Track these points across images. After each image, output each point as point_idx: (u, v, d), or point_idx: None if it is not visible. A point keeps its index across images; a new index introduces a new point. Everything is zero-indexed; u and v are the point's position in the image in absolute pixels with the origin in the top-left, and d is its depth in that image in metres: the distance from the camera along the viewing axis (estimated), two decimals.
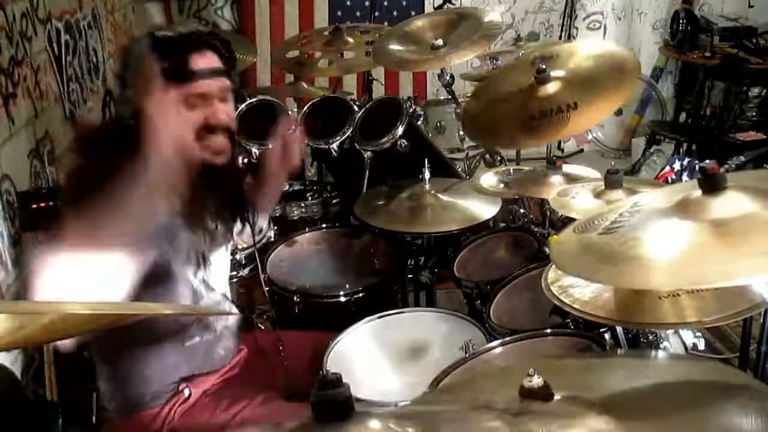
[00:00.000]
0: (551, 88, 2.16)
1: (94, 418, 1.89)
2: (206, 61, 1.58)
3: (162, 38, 1.55)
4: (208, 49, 1.59)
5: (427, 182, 2.44)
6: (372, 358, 1.89)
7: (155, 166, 1.45)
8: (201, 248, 1.72)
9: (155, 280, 1.55)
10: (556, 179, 2.13)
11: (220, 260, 1.83)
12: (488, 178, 2.55)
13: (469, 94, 3.00)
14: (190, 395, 1.73)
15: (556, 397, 1.02)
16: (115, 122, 1.63)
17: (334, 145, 2.94)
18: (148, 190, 1.43)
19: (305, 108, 3.08)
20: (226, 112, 1.62)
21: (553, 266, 1.64)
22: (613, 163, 1.96)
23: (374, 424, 0.78)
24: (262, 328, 2.83)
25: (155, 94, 1.50)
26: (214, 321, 1.79)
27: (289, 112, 3.06)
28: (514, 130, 2.16)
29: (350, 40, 3.39)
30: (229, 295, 1.90)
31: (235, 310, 1.88)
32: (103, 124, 1.63)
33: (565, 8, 5.04)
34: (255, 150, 2.94)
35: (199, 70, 1.56)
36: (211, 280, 1.77)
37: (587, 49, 2.30)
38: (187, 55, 1.55)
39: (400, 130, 2.87)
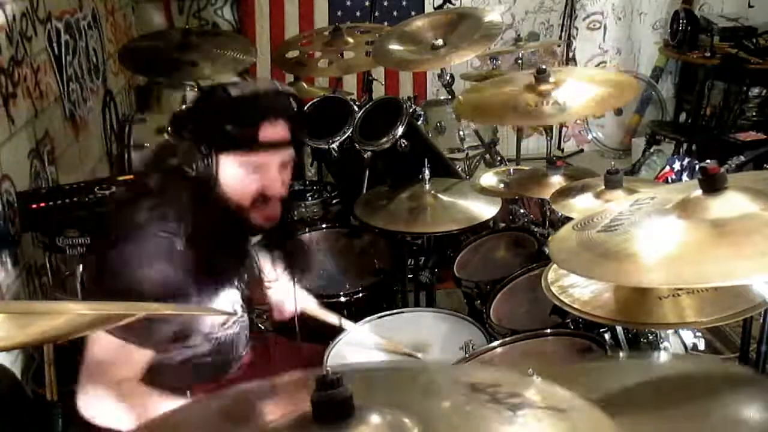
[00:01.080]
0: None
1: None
2: (275, 132, 1.53)
3: (238, 99, 1.51)
4: (281, 118, 1.54)
5: (427, 182, 2.45)
6: (372, 358, 1.89)
7: (206, 219, 1.51)
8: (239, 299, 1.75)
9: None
10: (556, 179, 2.14)
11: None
12: (488, 178, 2.55)
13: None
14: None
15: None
16: (176, 170, 1.57)
17: (334, 145, 2.94)
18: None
19: (305, 108, 3.08)
20: (283, 182, 1.59)
21: (553, 266, 1.64)
22: (613, 163, 1.96)
23: (375, 422, 0.78)
24: (262, 328, 2.83)
25: (221, 153, 1.51)
26: (229, 330, 1.79)
27: None
28: (508, 111, 2.19)
29: (350, 40, 3.39)
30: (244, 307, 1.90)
31: (235, 313, 1.88)
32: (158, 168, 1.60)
33: (565, 8, 5.04)
34: None
35: (265, 142, 1.52)
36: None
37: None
38: (258, 124, 1.51)
39: (400, 130, 2.87)
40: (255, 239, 1.74)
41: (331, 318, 2.00)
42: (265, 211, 1.59)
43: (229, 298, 1.71)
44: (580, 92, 2.19)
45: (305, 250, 1.87)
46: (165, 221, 1.53)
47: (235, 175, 1.54)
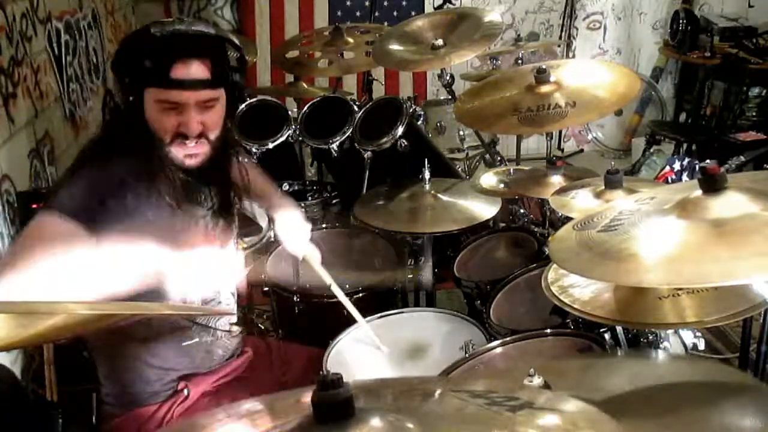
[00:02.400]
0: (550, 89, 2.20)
1: (94, 418, 1.89)
2: (188, 71, 1.54)
3: (154, 36, 1.54)
4: (196, 58, 1.55)
5: (427, 182, 2.44)
6: (372, 358, 1.89)
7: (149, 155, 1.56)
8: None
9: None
10: (556, 179, 2.14)
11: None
12: (488, 178, 2.55)
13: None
14: (188, 395, 1.73)
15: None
16: (114, 109, 1.68)
17: (334, 145, 2.94)
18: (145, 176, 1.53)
19: (305, 108, 3.08)
20: (201, 121, 1.59)
21: (553, 266, 1.64)
22: (613, 163, 1.96)
23: (375, 423, 0.78)
24: (262, 328, 2.83)
25: (143, 88, 1.56)
26: (214, 322, 1.79)
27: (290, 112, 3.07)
28: (509, 117, 2.19)
29: (350, 40, 3.39)
30: (236, 294, 1.89)
31: (234, 308, 1.88)
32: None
33: (565, 8, 5.04)
34: (255, 150, 2.94)
35: (176, 80, 1.53)
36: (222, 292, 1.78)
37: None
38: (169, 61, 1.53)
39: (400, 130, 2.87)
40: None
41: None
42: (185, 149, 1.60)
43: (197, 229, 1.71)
44: (582, 94, 2.19)
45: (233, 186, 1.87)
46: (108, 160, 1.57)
47: (154, 109, 1.57)
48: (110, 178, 1.56)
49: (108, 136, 1.68)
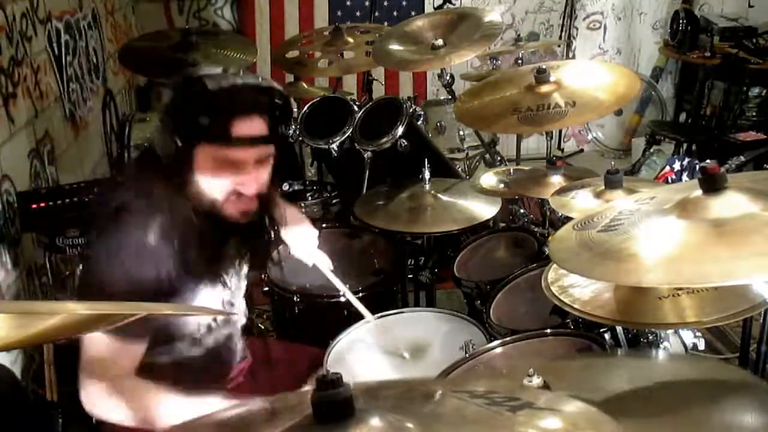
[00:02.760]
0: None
1: (94, 419, 1.89)
2: (250, 127, 1.50)
3: (214, 92, 1.47)
4: (257, 114, 1.51)
5: (427, 182, 2.44)
6: (372, 358, 1.89)
7: (184, 209, 1.50)
8: (220, 298, 1.73)
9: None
10: (556, 179, 2.13)
11: (242, 285, 1.84)
12: (488, 178, 2.55)
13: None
14: None
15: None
16: (152, 152, 1.58)
17: (334, 145, 2.94)
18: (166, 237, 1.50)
19: (305, 108, 3.08)
20: (258, 180, 1.57)
21: (553, 266, 1.64)
22: (613, 163, 1.96)
23: (375, 423, 0.78)
24: (262, 328, 2.83)
25: (196, 146, 1.50)
26: (216, 335, 1.78)
27: None
28: (509, 117, 2.19)
29: (350, 40, 3.39)
30: (246, 310, 1.89)
31: (235, 313, 1.87)
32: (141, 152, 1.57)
33: (565, 8, 5.04)
34: None
35: (238, 138, 1.48)
36: (234, 304, 1.79)
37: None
38: (231, 119, 1.48)
39: (400, 130, 2.87)
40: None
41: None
42: (238, 206, 1.56)
43: (213, 298, 1.70)
44: (582, 94, 2.19)
45: (269, 253, 1.86)
46: (136, 214, 1.52)
47: (209, 168, 1.52)
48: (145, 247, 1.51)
49: (142, 190, 1.56)
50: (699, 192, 1.14)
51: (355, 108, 3.00)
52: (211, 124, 1.47)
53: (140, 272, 1.50)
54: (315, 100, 3.12)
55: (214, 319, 1.73)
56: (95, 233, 1.57)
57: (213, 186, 1.53)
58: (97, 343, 1.49)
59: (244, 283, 1.86)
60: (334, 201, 3.18)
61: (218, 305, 1.72)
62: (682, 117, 5.16)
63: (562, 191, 1.95)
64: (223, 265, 1.68)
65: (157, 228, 1.52)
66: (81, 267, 1.61)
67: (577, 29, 5.15)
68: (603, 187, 1.83)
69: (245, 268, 1.81)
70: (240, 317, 1.84)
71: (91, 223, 1.59)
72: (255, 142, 1.51)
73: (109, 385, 1.49)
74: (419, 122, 3.20)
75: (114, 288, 1.48)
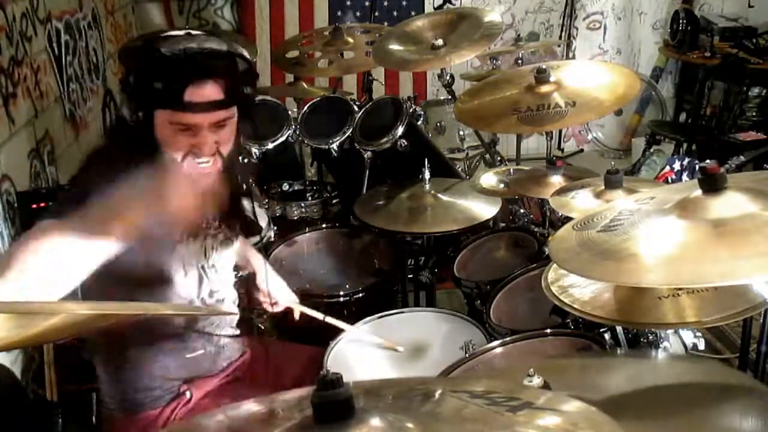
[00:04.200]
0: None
1: (94, 418, 1.89)
2: (203, 93, 1.49)
3: (164, 56, 1.48)
4: (210, 78, 1.50)
5: (427, 182, 2.44)
6: (372, 358, 1.89)
7: (158, 172, 1.46)
8: (201, 261, 1.71)
9: (153, 290, 1.59)
10: (556, 179, 2.14)
11: (227, 267, 1.83)
12: (488, 178, 2.55)
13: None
14: (191, 398, 1.73)
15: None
16: (120, 121, 1.61)
17: (334, 145, 2.93)
18: (154, 191, 1.45)
19: (305, 108, 3.08)
20: (215, 142, 1.56)
21: (553, 266, 1.64)
22: (613, 163, 1.96)
23: (375, 423, 0.78)
24: (262, 328, 2.82)
25: (156, 113, 1.51)
26: (217, 332, 1.78)
27: (290, 112, 3.06)
28: (509, 117, 2.19)
29: (350, 40, 3.39)
30: (236, 300, 1.89)
31: (236, 313, 1.87)
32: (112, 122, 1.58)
33: (565, 8, 5.04)
34: (255, 150, 2.94)
35: (190, 103, 1.49)
36: (219, 291, 1.77)
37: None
38: (181, 84, 1.48)
39: (400, 130, 2.87)
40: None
41: (318, 315, 2.00)
42: (198, 167, 1.55)
43: (191, 281, 1.69)
44: (582, 94, 2.20)
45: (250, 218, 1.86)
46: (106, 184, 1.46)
47: (166, 132, 1.53)
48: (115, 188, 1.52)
49: (114, 149, 1.61)
50: (699, 192, 1.14)
51: (355, 108, 3.00)
52: (164, 89, 1.48)
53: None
54: (315, 100, 3.12)
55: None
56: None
57: (171, 147, 1.54)
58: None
59: (230, 272, 1.85)
60: (334, 201, 3.18)
61: (196, 291, 1.71)
62: (682, 117, 5.16)
63: (562, 191, 1.95)
64: (200, 223, 1.67)
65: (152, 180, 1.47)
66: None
67: (577, 29, 5.14)
68: (603, 187, 1.83)
69: (226, 248, 1.79)
70: (231, 307, 1.83)
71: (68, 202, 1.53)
72: (209, 107, 1.51)
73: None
74: (419, 122, 3.20)
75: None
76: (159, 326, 1.67)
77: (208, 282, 1.73)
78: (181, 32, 1.58)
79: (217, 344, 1.79)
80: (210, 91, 1.50)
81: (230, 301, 1.83)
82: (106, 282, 1.36)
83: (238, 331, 1.86)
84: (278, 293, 1.99)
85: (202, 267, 1.71)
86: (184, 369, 1.73)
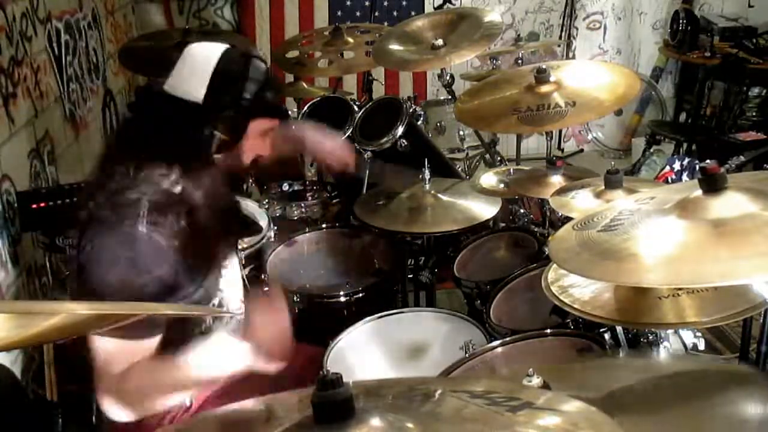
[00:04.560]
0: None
1: (94, 418, 1.89)
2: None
3: (260, 68, 1.62)
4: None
5: (427, 182, 2.44)
6: (372, 358, 1.89)
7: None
8: (215, 290, 1.72)
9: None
10: (556, 179, 2.14)
11: (233, 275, 1.83)
12: (488, 178, 2.55)
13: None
14: (191, 404, 1.72)
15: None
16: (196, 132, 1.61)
17: None
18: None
19: (305, 108, 3.08)
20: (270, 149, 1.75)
21: (553, 266, 1.64)
22: (613, 163, 1.96)
23: (375, 423, 0.78)
24: None
25: (256, 119, 1.63)
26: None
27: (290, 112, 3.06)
28: (509, 117, 2.19)
29: (350, 40, 3.39)
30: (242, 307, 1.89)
31: (239, 314, 1.87)
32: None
33: (565, 8, 5.04)
34: None
35: (285, 110, 1.75)
36: (229, 304, 1.78)
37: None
38: (280, 92, 1.67)
39: (400, 130, 2.87)
40: None
41: None
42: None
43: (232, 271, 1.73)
44: (582, 94, 2.20)
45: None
46: (134, 206, 1.51)
47: (255, 136, 1.66)
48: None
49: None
50: (699, 192, 1.14)
51: (355, 108, 3.00)
52: (272, 98, 1.66)
53: (148, 278, 1.50)
54: (315, 100, 3.12)
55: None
56: (94, 230, 1.52)
57: (249, 152, 1.68)
58: (107, 350, 1.47)
59: (238, 271, 1.86)
60: (334, 201, 3.18)
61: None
62: (682, 117, 5.16)
63: (562, 191, 1.95)
64: (221, 250, 1.70)
65: (166, 229, 1.52)
66: (83, 274, 1.55)
67: (577, 29, 5.14)
68: (603, 187, 1.83)
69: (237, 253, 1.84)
70: (237, 307, 1.83)
71: (89, 221, 1.54)
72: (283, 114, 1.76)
73: (124, 383, 1.48)
74: (419, 122, 3.20)
75: (114, 290, 1.47)
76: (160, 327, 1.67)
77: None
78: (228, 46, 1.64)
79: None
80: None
81: (236, 302, 1.83)
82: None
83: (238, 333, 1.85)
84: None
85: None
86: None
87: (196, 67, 1.59)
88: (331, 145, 2.16)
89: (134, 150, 1.59)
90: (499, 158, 3.52)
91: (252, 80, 1.60)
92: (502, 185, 2.49)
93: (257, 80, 1.60)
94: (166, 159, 1.57)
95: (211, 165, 1.63)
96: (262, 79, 1.61)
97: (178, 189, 1.56)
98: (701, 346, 1.71)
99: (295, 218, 3.04)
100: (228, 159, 1.66)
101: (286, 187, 3.26)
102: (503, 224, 2.74)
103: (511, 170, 2.67)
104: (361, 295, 2.23)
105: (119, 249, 1.49)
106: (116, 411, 1.52)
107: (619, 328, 1.72)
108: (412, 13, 4.67)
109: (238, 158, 1.67)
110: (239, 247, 2.23)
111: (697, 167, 1.25)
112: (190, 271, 1.57)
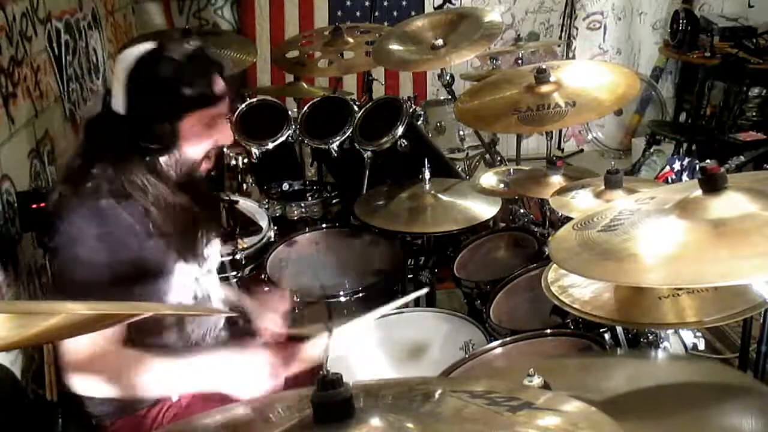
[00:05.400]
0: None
1: (93, 419, 1.89)
2: (219, 82, 1.59)
3: (184, 61, 1.54)
4: (218, 70, 1.61)
5: (427, 182, 2.44)
6: (372, 358, 1.89)
7: (162, 192, 1.54)
8: (196, 275, 1.72)
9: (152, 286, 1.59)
10: (556, 179, 2.14)
11: (213, 264, 1.83)
12: (488, 178, 2.55)
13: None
14: (179, 398, 1.71)
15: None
16: (132, 141, 1.57)
17: (334, 145, 2.93)
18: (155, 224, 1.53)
19: (305, 108, 3.08)
20: (230, 130, 1.67)
21: (553, 266, 1.64)
22: (613, 163, 1.96)
23: (375, 423, 0.78)
24: None
25: (185, 118, 1.56)
26: (210, 330, 1.78)
27: (290, 112, 3.07)
28: (509, 117, 2.19)
29: (350, 40, 3.39)
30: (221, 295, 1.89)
31: (234, 314, 1.87)
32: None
33: (565, 8, 5.04)
34: (255, 150, 2.94)
35: (218, 95, 1.58)
36: (211, 293, 1.78)
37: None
38: (210, 79, 1.57)
39: (400, 130, 2.87)
40: None
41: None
42: (206, 165, 1.66)
43: (186, 275, 1.70)
44: (582, 94, 2.20)
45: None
46: (112, 197, 1.52)
47: (195, 134, 1.59)
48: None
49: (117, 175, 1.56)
50: (699, 192, 1.14)
51: (355, 108, 3.00)
52: (194, 91, 1.54)
53: (120, 255, 1.51)
54: (315, 100, 3.12)
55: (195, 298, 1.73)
56: (69, 221, 1.52)
57: (196, 150, 1.61)
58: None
59: (215, 260, 1.86)
60: (334, 201, 3.18)
61: (191, 283, 1.71)
62: (682, 117, 5.16)
63: (562, 191, 1.95)
64: (198, 238, 1.69)
65: (134, 210, 1.54)
66: (57, 257, 1.57)
67: (577, 29, 5.14)
68: (603, 187, 1.83)
69: (215, 241, 1.81)
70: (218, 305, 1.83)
71: (61, 211, 1.54)
72: (226, 95, 1.60)
73: (95, 361, 1.48)
74: (419, 122, 3.20)
75: (95, 278, 1.47)
76: (148, 326, 1.66)
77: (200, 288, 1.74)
78: (152, 43, 1.59)
79: (211, 340, 1.78)
80: (220, 79, 1.59)
81: (217, 298, 1.83)
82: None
83: (225, 332, 1.85)
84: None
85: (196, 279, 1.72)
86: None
87: (118, 75, 1.57)
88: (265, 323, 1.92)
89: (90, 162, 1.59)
90: (499, 158, 3.52)
91: (166, 80, 1.53)
92: (502, 185, 2.50)
93: (171, 78, 1.53)
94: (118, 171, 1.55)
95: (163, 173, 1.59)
96: (177, 76, 1.53)
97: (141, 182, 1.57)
98: (701, 346, 1.70)
99: (295, 218, 3.04)
100: (178, 163, 1.61)
101: (286, 187, 3.26)
102: (503, 224, 2.74)
103: (511, 170, 2.67)
104: (361, 295, 2.23)
105: (86, 225, 1.49)
106: (82, 385, 1.52)
107: (619, 328, 1.72)
108: (412, 13, 4.66)
109: (188, 159, 1.61)
110: (239, 246, 2.24)
111: (697, 167, 1.25)
112: (165, 252, 1.58)
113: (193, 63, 1.55)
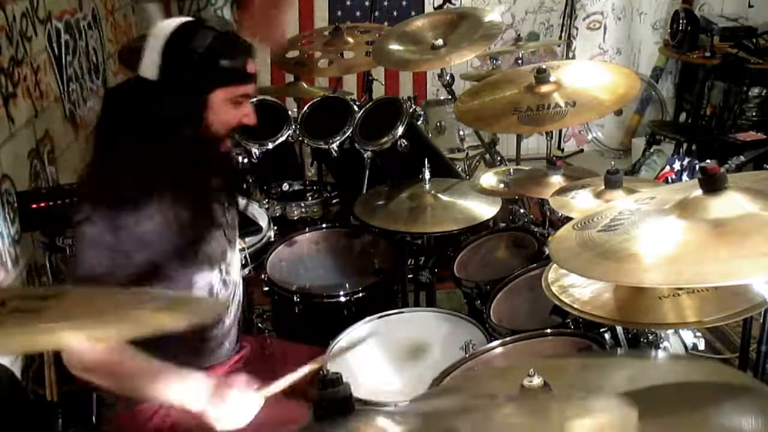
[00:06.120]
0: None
1: (94, 418, 1.89)
2: (253, 66, 1.65)
3: (226, 34, 1.60)
4: (250, 53, 1.66)
5: (427, 182, 2.44)
6: (372, 358, 1.89)
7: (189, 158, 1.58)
8: (223, 249, 1.75)
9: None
10: (556, 179, 2.14)
11: (234, 252, 1.85)
12: (488, 178, 2.55)
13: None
14: None
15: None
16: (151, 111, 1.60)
17: (334, 145, 2.93)
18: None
19: (305, 108, 3.08)
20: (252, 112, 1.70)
21: (553, 266, 1.64)
22: (613, 163, 1.96)
23: (374, 421, 0.78)
24: (262, 327, 2.83)
25: (216, 90, 1.59)
26: (225, 316, 1.79)
27: (290, 112, 3.07)
28: (509, 117, 2.20)
29: (350, 40, 3.39)
30: (241, 284, 1.90)
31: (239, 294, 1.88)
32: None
33: (565, 8, 5.04)
34: (255, 150, 2.94)
35: (252, 72, 1.64)
36: (230, 275, 1.80)
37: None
38: (246, 58, 1.62)
39: (400, 130, 2.87)
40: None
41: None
42: (226, 145, 1.70)
43: (209, 278, 1.72)
44: (582, 94, 2.20)
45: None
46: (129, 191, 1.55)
47: (223, 109, 1.62)
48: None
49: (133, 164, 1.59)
50: (699, 192, 1.14)
51: (355, 108, 3.00)
52: (231, 64, 1.59)
53: (138, 253, 1.54)
54: (315, 100, 3.12)
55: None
56: (87, 216, 1.55)
57: (221, 125, 1.64)
58: None
59: (238, 256, 1.88)
60: (334, 201, 3.18)
61: (214, 284, 1.73)
62: (682, 117, 5.16)
63: (562, 191, 1.95)
64: (217, 208, 1.72)
65: (152, 201, 1.56)
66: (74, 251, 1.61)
67: (577, 29, 5.15)
68: (603, 187, 1.83)
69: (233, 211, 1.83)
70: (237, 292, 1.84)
71: (81, 206, 1.57)
72: (256, 77, 1.68)
73: (95, 348, 1.46)
74: (419, 122, 3.20)
75: (114, 274, 1.50)
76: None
77: (224, 270, 1.76)
78: (189, 18, 1.65)
79: (223, 328, 1.79)
80: (251, 61, 1.65)
81: (236, 268, 1.85)
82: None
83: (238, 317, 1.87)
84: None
85: (223, 253, 1.75)
86: (191, 356, 1.72)
87: (154, 44, 1.61)
88: None
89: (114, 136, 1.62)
90: (499, 158, 3.52)
91: (201, 50, 1.56)
92: (502, 185, 2.50)
93: (211, 48, 1.56)
94: (140, 139, 1.58)
95: (188, 138, 1.61)
96: (216, 47, 1.57)
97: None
98: (701, 346, 1.71)
99: (295, 218, 3.04)
100: (200, 136, 1.63)
101: (286, 187, 3.26)
102: (503, 224, 2.74)
103: (511, 170, 2.67)
104: (361, 295, 2.23)
105: (104, 233, 1.53)
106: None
107: (619, 328, 1.72)
108: (412, 13, 4.67)
109: (212, 134, 1.64)
110: (239, 246, 2.23)
111: (697, 167, 1.25)
112: (182, 226, 1.60)
113: (231, 38, 1.61)
